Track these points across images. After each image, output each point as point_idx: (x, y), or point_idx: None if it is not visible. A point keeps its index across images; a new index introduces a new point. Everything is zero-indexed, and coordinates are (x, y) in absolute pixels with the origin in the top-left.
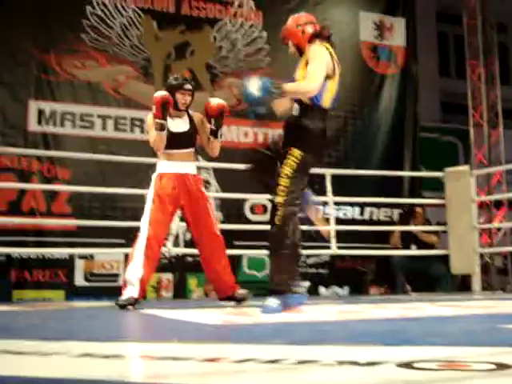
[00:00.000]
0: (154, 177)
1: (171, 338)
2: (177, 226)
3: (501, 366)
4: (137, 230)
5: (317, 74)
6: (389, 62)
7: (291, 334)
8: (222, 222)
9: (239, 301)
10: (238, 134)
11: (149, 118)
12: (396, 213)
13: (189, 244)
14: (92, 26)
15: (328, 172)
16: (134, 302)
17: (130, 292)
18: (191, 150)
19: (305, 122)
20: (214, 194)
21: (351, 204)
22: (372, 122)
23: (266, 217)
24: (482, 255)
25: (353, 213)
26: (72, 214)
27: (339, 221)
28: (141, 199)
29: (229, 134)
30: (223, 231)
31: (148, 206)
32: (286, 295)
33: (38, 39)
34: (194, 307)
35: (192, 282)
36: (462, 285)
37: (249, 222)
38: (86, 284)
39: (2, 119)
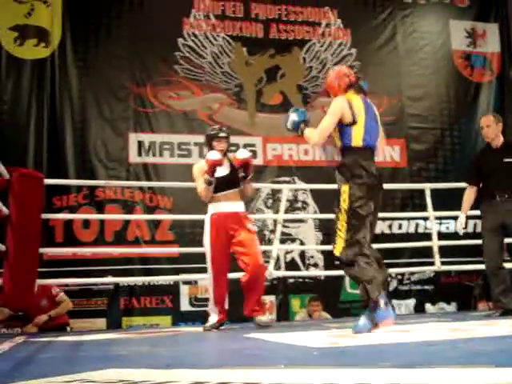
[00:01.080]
0: (207, 218)
1: (278, 363)
2: (276, 248)
3: None
4: None
5: (322, 129)
6: (484, 69)
7: (398, 355)
8: (322, 243)
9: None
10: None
11: (195, 168)
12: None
13: (289, 266)
14: (184, 57)
15: (427, 186)
16: (216, 326)
17: (212, 319)
18: (235, 190)
19: (343, 160)
20: (311, 215)
21: (453, 218)
22: (470, 131)
23: None
24: None
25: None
26: (175, 241)
27: (441, 235)
28: None
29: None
30: (326, 251)
31: (207, 245)
32: (375, 311)
33: (134, 74)
34: (298, 329)
35: (295, 303)
36: None
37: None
38: (191, 309)
39: (104, 153)
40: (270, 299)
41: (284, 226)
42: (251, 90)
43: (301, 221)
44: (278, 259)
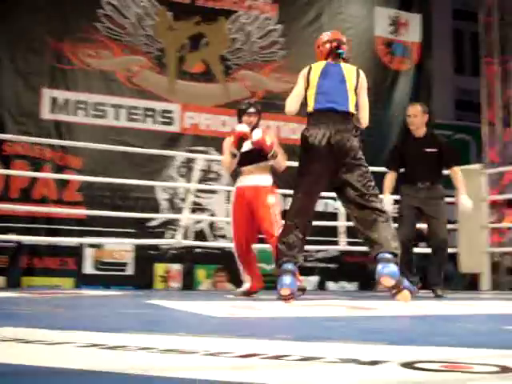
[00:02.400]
0: (233, 190)
1: (176, 330)
2: (187, 218)
3: (505, 369)
4: (146, 220)
5: (290, 96)
6: (403, 57)
7: (296, 329)
8: None
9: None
10: None
11: (226, 141)
12: None
13: (199, 236)
14: (107, 16)
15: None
16: (246, 293)
17: (243, 286)
18: (258, 164)
19: (302, 132)
20: (225, 187)
21: None
22: (385, 117)
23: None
24: (491, 254)
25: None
26: (83, 203)
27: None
28: (151, 190)
29: None
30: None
31: (231, 214)
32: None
33: (52, 28)
34: (201, 299)
35: (200, 273)
36: (471, 283)
37: None
38: (95, 272)
39: (15, 107)
40: (176, 268)
41: (196, 196)
42: (173, 55)
43: (213, 192)
44: (187, 229)
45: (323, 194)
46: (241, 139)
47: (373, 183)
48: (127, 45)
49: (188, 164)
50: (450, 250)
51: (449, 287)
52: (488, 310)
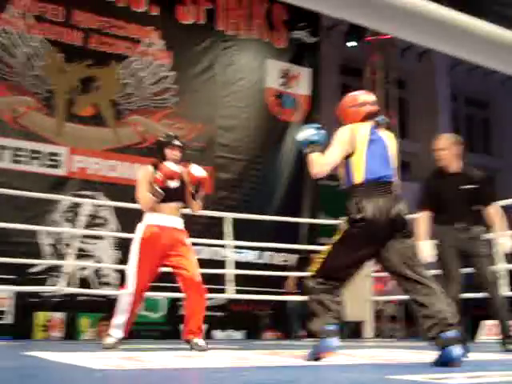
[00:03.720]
0: (141, 227)
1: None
2: (72, 264)
3: None
4: (27, 266)
5: (326, 158)
6: (293, 109)
7: (181, 381)
8: (121, 262)
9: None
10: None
11: (142, 172)
12: (294, 258)
13: (83, 283)
14: None
15: (228, 215)
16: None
17: (117, 334)
18: (180, 204)
19: (346, 204)
20: (113, 233)
21: (251, 248)
22: (274, 167)
23: None
24: (375, 302)
25: (252, 257)
26: None
27: (238, 264)
28: (34, 235)
29: (131, 171)
30: (122, 270)
31: (135, 257)
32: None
33: None
34: (85, 349)
35: (84, 322)
36: (356, 331)
37: None
38: None
39: None
40: (58, 316)
41: (81, 242)
42: (62, 97)
43: (99, 237)
44: (71, 275)
45: (211, 242)
46: (168, 179)
47: None
48: (14, 85)
49: (74, 209)
50: None
51: None
52: (371, 360)
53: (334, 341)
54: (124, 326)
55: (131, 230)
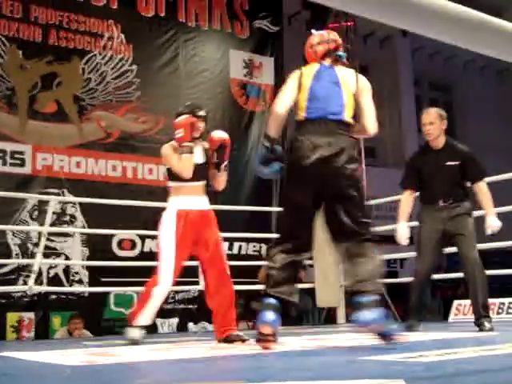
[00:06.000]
0: (170, 214)
1: (30, 382)
2: (39, 262)
3: None
4: None
5: (278, 98)
6: (258, 99)
7: (156, 373)
8: (88, 258)
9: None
10: (106, 167)
11: (165, 148)
12: (265, 248)
13: (53, 281)
14: None
15: None
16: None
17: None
18: (205, 182)
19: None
20: (80, 229)
21: (223, 239)
22: (242, 157)
23: (134, 252)
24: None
25: (224, 247)
26: None
27: None
28: (1, 235)
29: (96, 167)
30: (89, 268)
31: (171, 249)
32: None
33: None
34: (57, 347)
35: (56, 321)
36: (328, 317)
37: (116, 257)
38: None
39: None
40: (29, 316)
41: (49, 240)
42: (24, 95)
43: (67, 235)
44: (40, 274)
45: None
46: (192, 129)
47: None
48: None
49: (41, 207)
50: (306, 286)
51: (306, 322)
52: (343, 343)
53: (269, 314)
54: (151, 319)
55: (98, 226)
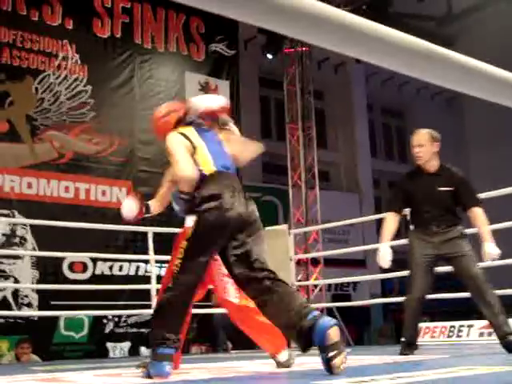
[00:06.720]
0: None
1: None
2: None
3: None
4: None
5: (180, 161)
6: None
7: None
8: (38, 281)
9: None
10: (58, 188)
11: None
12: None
13: (1, 305)
14: None
15: (150, 230)
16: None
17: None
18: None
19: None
20: (30, 252)
21: None
22: None
23: (86, 275)
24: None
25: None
26: None
27: (161, 278)
28: None
29: (48, 188)
30: (39, 291)
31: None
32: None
33: None
34: (2, 374)
35: (3, 345)
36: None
37: (67, 280)
38: None
39: None
40: None
41: None
42: None
43: (17, 257)
44: None
45: (135, 257)
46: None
47: None
48: None
49: None
50: None
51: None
52: (297, 368)
53: (167, 366)
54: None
55: (49, 248)
